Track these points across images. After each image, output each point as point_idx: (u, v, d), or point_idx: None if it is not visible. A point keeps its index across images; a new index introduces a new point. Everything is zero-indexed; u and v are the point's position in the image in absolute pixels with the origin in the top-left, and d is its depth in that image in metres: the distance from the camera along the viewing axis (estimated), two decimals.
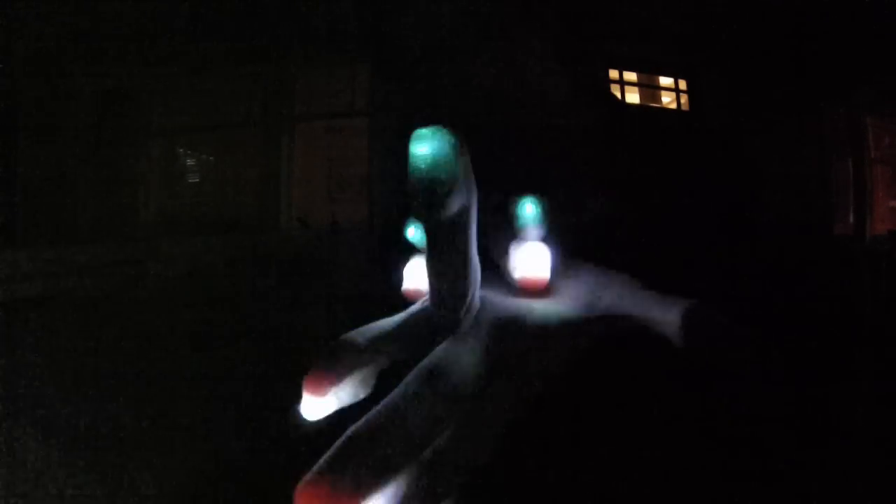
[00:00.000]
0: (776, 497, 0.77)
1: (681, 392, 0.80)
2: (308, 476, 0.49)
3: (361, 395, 0.60)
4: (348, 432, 0.52)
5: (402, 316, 0.66)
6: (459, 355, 0.61)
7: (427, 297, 0.66)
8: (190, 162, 1.19)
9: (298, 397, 0.59)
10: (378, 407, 0.55)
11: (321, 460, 0.50)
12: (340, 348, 0.60)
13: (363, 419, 0.53)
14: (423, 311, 0.66)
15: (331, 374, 0.58)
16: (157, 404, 0.90)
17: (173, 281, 1.06)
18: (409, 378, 0.58)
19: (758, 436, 0.80)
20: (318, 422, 0.59)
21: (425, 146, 0.52)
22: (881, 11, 0.96)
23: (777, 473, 0.78)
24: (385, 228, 1.01)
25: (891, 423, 0.82)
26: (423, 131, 0.52)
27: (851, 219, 1.05)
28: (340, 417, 0.58)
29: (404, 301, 0.76)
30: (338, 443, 0.51)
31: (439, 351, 0.61)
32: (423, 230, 0.65)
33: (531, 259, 0.72)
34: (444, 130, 0.52)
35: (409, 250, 0.78)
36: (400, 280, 0.77)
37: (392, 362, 0.62)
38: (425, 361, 0.60)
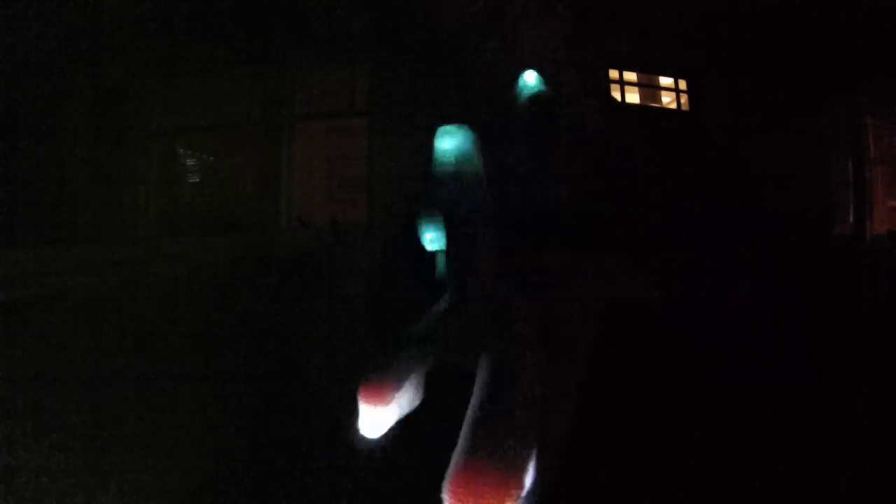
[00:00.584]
0: (776, 497, 0.77)
1: (682, 391, 0.80)
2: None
3: (416, 403, 0.56)
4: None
5: (433, 318, 0.64)
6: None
7: (446, 296, 0.65)
8: (190, 162, 1.19)
9: (352, 416, 0.52)
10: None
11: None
12: (395, 354, 0.56)
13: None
14: (451, 309, 0.64)
15: (390, 382, 0.53)
16: (158, 404, 0.90)
17: (173, 281, 1.06)
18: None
19: (758, 435, 0.80)
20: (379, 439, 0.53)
21: (451, 142, 0.55)
22: (881, 11, 0.96)
23: (777, 473, 0.78)
24: (385, 228, 1.01)
25: (891, 422, 0.83)
26: (449, 128, 0.56)
27: (851, 219, 1.05)
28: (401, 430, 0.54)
29: (404, 302, 0.76)
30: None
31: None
32: (438, 230, 0.66)
33: None
34: (466, 127, 0.56)
35: (408, 251, 0.77)
36: (401, 280, 0.77)
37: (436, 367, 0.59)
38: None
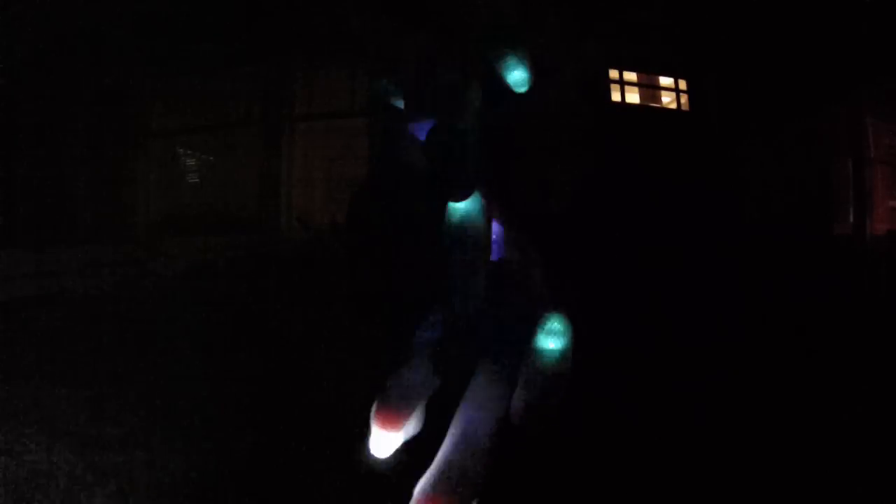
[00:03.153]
0: (776, 497, 0.77)
1: (680, 392, 0.80)
2: None
3: (419, 428, 0.60)
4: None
5: (430, 335, 0.66)
6: None
7: (431, 320, 0.66)
8: (190, 162, 1.19)
9: (362, 436, 0.58)
10: None
11: None
12: (406, 382, 0.60)
13: None
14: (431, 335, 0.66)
15: (403, 408, 0.58)
16: (158, 404, 0.90)
17: (173, 281, 1.06)
18: None
19: (757, 437, 0.80)
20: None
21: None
22: (881, 11, 0.96)
23: (777, 473, 0.78)
24: (385, 228, 1.00)
25: (891, 423, 0.83)
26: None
27: (851, 219, 1.05)
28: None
29: (400, 302, 0.76)
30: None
31: None
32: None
33: None
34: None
35: (405, 250, 0.77)
36: (395, 280, 0.77)
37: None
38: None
